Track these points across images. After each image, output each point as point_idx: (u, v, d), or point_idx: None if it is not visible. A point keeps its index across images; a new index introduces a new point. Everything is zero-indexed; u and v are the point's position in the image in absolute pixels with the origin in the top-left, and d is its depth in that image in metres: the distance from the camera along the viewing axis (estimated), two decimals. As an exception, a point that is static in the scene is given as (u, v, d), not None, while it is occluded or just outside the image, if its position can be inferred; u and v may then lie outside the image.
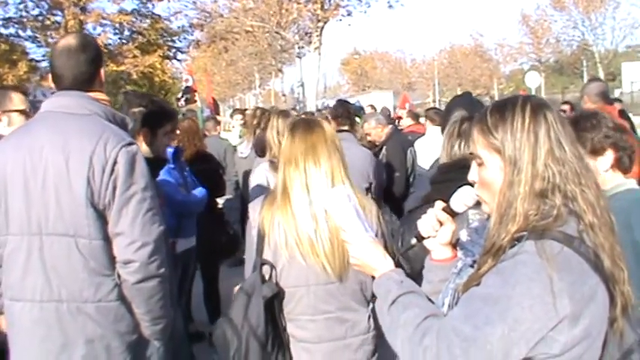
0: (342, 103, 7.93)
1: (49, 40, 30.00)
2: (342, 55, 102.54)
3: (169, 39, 35.36)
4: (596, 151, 3.24)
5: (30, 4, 30.69)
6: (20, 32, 31.40)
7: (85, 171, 3.07)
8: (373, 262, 2.33)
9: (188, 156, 6.96)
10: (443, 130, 4.20)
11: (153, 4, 33.12)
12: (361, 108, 18.87)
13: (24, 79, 30.57)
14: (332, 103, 10.27)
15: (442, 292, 2.25)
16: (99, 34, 30.21)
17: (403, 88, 73.15)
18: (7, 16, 30.57)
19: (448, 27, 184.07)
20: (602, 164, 3.25)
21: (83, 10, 30.55)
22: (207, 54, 49.06)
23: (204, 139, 8.64)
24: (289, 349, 3.35)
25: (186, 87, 14.89)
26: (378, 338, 3.40)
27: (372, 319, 3.39)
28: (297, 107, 32.64)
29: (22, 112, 4.33)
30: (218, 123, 13.05)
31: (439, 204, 2.34)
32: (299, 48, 38.02)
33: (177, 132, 5.20)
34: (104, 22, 31.70)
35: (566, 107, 13.71)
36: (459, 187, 2.28)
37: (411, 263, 3.02)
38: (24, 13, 30.74)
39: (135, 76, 34.99)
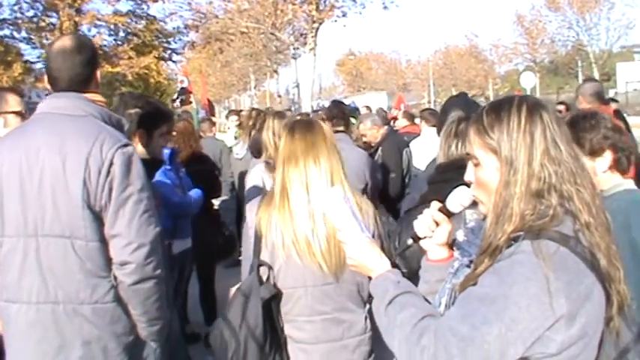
0: (337, 104, 7.90)
1: (44, 41, 29.89)
2: (338, 56, 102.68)
3: (164, 40, 35.26)
4: (594, 152, 3.24)
5: (25, 6, 30.59)
6: (15, 34, 31.30)
7: (82, 172, 3.07)
8: (370, 263, 2.34)
9: (184, 157, 6.96)
10: (439, 131, 4.21)
11: (148, 5, 33.02)
12: (356, 109, 18.88)
13: (19, 80, 30.47)
14: (327, 104, 10.26)
15: (439, 292, 2.25)
16: (94, 36, 30.07)
17: (398, 88, 73.28)
18: (1, 17, 30.45)
19: (443, 28, 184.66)
20: (601, 165, 3.25)
21: (78, 11, 30.44)
22: (203, 55, 49.02)
23: (199, 140, 8.63)
24: (286, 350, 3.35)
25: (182, 88, 14.91)
26: (374, 339, 3.40)
27: (368, 320, 3.40)
28: (293, 108, 32.65)
29: (18, 113, 4.32)
30: (213, 124, 13.05)
31: (435, 204, 2.35)
32: (294, 49, 38.01)
33: (174, 133, 5.19)
34: (99, 23, 31.58)
35: (561, 107, 13.73)
36: (456, 187, 2.29)
37: (409, 263, 3.03)
38: (18, 15, 30.61)
39: (130, 78, 34.93)
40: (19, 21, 30.57)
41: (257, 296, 3.21)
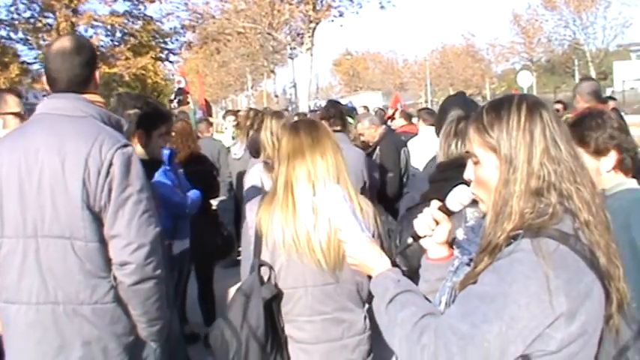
0: (334, 104, 7.90)
1: (41, 42, 29.85)
2: (334, 56, 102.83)
3: (161, 40, 35.20)
4: (599, 152, 3.23)
5: (21, 7, 30.52)
6: (12, 34, 31.21)
7: (81, 173, 3.07)
8: (370, 262, 2.34)
9: (182, 158, 6.97)
10: (437, 130, 4.22)
11: (145, 6, 32.96)
12: (353, 108, 18.88)
13: (16, 81, 30.35)
14: (324, 103, 10.27)
15: (439, 290, 2.26)
16: (91, 36, 29.97)
17: (395, 88, 73.23)
18: (-2, 18, 30.50)
19: (440, 27, 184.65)
20: (605, 165, 3.23)
21: (75, 12, 30.38)
22: (200, 55, 48.97)
23: (197, 140, 8.62)
24: (287, 350, 3.35)
25: (179, 89, 14.87)
26: (373, 338, 3.41)
27: (367, 320, 3.40)
28: (290, 108, 32.68)
29: (17, 114, 4.32)
30: (211, 124, 13.05)
31: (435, 203, 2.35)
32: (291, 49, 37.97)
33: (172, 134, 5.20)
34: (96, 23, 31.51)
35: (559, 106, 13.78)
36: (456, 185, 2.30)
37: (409, 261, 3.04)
38: (15, 16, 30.54)
39: (127, 78, 34.82)
40: (16, 22, 30.51)
41: (258, 296, 3.21)
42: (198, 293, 7.50)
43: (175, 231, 5.77)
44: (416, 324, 2.01)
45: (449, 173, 3.27)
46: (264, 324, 3.21)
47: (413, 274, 2.40)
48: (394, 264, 2.35)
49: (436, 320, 1.99)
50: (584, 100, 6.91)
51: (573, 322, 1.82)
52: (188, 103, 14.46)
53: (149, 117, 4.47)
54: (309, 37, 33.11)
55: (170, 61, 37.43)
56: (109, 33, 33.07)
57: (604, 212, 2.00)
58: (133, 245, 3.12)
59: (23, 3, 30.44)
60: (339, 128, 6.86)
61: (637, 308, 2.08)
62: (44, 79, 3.43)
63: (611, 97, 12.86)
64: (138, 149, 4.12)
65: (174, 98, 14.65)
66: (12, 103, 4.37)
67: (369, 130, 8.70)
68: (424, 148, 8.16)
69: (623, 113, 10.36)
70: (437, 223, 2.34)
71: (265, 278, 3.28)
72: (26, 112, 4.33)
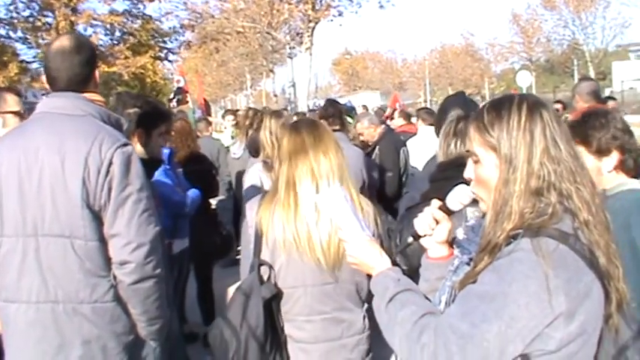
0: (332, 103, 7.89)
1: (40, 41, 29.90)
2: (334, 56, 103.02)
3: (160, 40, 35.25)
4: (601, 151, 3.22)
5: (20, 5, 30.58)
6: (11, 33, 31.26)
7: (81, 172, 3.07)
8: (370, 261, 2.35)
9: (181, 157, 6.96)
10: (437, 130, 4.22)
11: (144, 5, 33.02)
12: (353, 108, 18.89)
13: (15, 80, 30.39)
14: (323, 103, 10.28)
15: (439, 289, 2.26)
16: (90, 35, 30.01)
17: (394, 87, 73.30)
18: (-3, 17, 30.51)
19: (439, 27, 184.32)
20: (607, 165, 3.22)
21: (74, 11, 30.41)
22: (199, 55, 49.00)
23: (197, 140, 8.62)
24: (286, 350, 3.35)
25: (178, 88, 14.85)
26: (372, 338, 3.41)
27: (367, 319, 3.41)
28: (289, 107, 32.61)
29: (16, 113, 4.32)
30: (210, 124, 13.05)
31: (435, 202, 2.36)
32: (290, 48, 37.96)
33: (172, 133, 5.20)
34: (95, 23, 31.58)
35: (558, 106, 13.79)
36: (456, 185, 2.30)
37: (409, 260, 3.04)
38: (14, 14, 30.58)
39: (126, 77, 34.84)
40: (15, 21, 30.54)
41: (258, 296, 3.21)
42: (198, 292, 7.49)
43: (175, 230, 5.77)
44: (416, 323, 2.02)
45: (449, 172, 3.28)
46: (263, 323, 3.21)
47: (413, 273, 2.40)
48: (394, 263, 2.36)
49: (436, 319, 1.99)
50: (583, 100, 6.91)
51: (572, 321, 1.82)
52: (187, 102, 14.44)
53: (149, 116, 4.48)
54: (309, 36, 33.11)
55: (169, 61, 37.54)
56: (108, 32, 33.16)
57: (604, 212, 2.00)
58: (133, 244, 3.12)
59: (22, 2, 30.51)
60: (338, 127, 6.85)
61: (636, 308, 2.09)
62: (44, 77, 3.43)
63: (610, 97, 12.85)
64: (138, 148, 4.12)
65: (173, 97, 14.63)
66: (11, 101, 4.37)
67: (369, 130, 8.69)
68: (423, 148, 8.16)
69: (622, 113, 10.36)
70: (437, 222, 2.34)
71: (265, 277, 3.28)
72: (26, 111, 4.33)
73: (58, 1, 29.34)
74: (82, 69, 3.33)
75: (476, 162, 2.09)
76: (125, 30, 33.02)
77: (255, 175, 5.56)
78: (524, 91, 29.51)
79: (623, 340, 1.99)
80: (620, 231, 2.10)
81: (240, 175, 7.43)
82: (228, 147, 10.08)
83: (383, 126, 9.27)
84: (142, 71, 35.67)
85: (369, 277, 2.37)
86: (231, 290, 3.47)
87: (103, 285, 3.16)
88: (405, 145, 8.64)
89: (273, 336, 3.29)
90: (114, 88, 32.18)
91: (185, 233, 6.07)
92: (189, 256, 6.47)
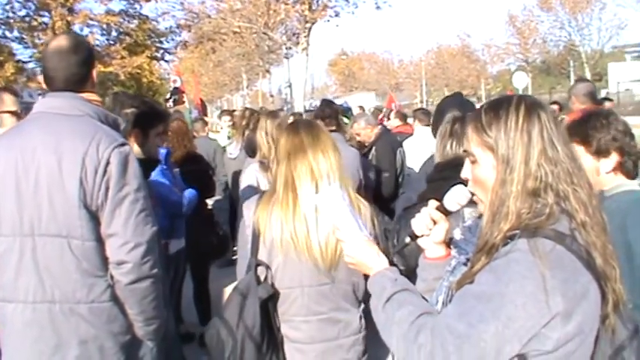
0: (328, 103, 7.87)
1: (36, 41, 29.83)
2: (330, 56, 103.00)
3: (157, 40, 35.14)
4: (600, 152, 3.22)
5: (17, 5, 30.43)
6: (7, 33, 31.12)
7: (78, 172, 3.06)
8: (368, 261, 2.35)
9: (178, 157, 6.95)
10: (434, 131, 4.22)
11: (140, 5, 32.90)
12: (349, 109, 18.88)
13: (11, 80, 30.25)
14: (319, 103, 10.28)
15: (436, 290, 2.26)
16: (86, 35, 29.91)
17: (390, 88, 73.15)
18: (-7, 17, 30.43)
19: (435, 28, 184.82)
20: (605, 166, 3.23)
21: (70, 10, 30.32)
22: (195, 55, 48.88)
23: (193, 140, 8.61)
24: (283, 350, 3.36)
25: (175, 88, 14.87)
26: (368, 338, 3.42)
27: (363, 320, 3.41)
28: (285, 108, 32.62)
29: (13, 113, 4.33)
30: (206, 124, 13.05)
31: (433, 203, 2.36)
32: (286, 49, 37.91)
33: (169, 133, 5.20)
34: (91, 22, 31.45)
35: (554, 107, 13.81)
36: (454, 185, 2.30)
37: (407, 260, 3.04)
38: (10, 14, 30.44)
39: (122, 77, 34.79)
40: (11, 20, 30.42)
41: (255, 296, 3.21)
42: (194, 293, 7.48)
43: (172, 230, 5.76)
44: (413, 323, 2.02)
45: (447, 173, 3.28)
46: (260, 323, 3.21)
47: (410, 274, 2.40)
48: (392, 263, 2.36)
49: (433, 319, 1.99)
50: (579, 102, 6.92)
51: (569, 321, 1.82)
52: (184, 102, 14.44)
53: (146, 116, 4.48)
54: (305, 36, 33.08)
55: (166, 61, 37.43)
56: (104, 32, 33.04)
57: (601, 214, 2.01)
58: (130, 244, 3.12)
59: (19, 1, 30.36)
60: (334, 128, 6.85)
61: (632, 311, 2.09)
62: (41, 77, 3.42)
63: (607, 99, 12.87)
64: (135, 148, 4.11)
65: (170, 97, 14.64)
66: (9, 101, 4.37)
67: (365, 131, 8.66)
68: (419, 149, 8.17)
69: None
70: (434, 222, 2.35)
71: (262, 278, 3.28)
72: (22, 111, 4.33)
73: (55, 0, 29.25)
74: (79, 69, 3.32)
75: (473, 162, 2.09)
76: (121, 30, 32.93)
77: (251, 175, 5.55)
78: (520, 92, 29.58)
79: (619, 341, 2.00)
80: (616, 232, 2.11)
81: (236, 176, 7.42)
82: (224, 147, 10.07)
83: (380, 126, 9.27)
84: (139, 71, 35.59)
85: (366, 277, 2.37)
86: (227, 290, 3.46)
87: (100, 285, 3.16)
88: (402, 146, 8.64)
89: (270, 336, 3.29)
90: (110, 88, 32.14)
91: (182, 233, 6.05)
92: (185, 257, 6.47)
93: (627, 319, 2.03)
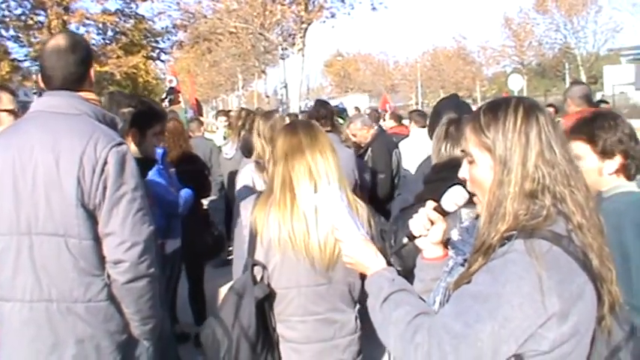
0: (323, 104, 7.87)
1: (32, 39, 29.85)
2: (326, 57, 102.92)
3: (153, 39, 35.18)
4: (605, 153, 3.22)
5: (12, 4, 30.45)
6: (3, 32, 31.12)
7: (76, 171, 3.07)
8: (365, 261, 2.36)
9: (174, 157, 6.95)
10: (430, 132, 4.23)
11: (136, 5, 32.95)
12: (344, 110, 18.90)
13: (6, 79, 30.21)
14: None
15: (433, 290, 2.27)
16: (82, 35, 29.96)
17: (386, 90, 73.24)
18: (-11, 15, 30.39)
19: (431, 29, 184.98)
20: (608, 167, 3.23)
21: (66, 9, 30.32)
22: (191, 55, 48.90)
23: (189, 140, 8.60)
24: (278, 350, 3.35)
25: (170, 88, 14.87)
26: (363, 338, 3.42)
27: (358, 320, 3.41)
28: (281, 109, 32.59)
29: (10, 111, 4.32)
30: (202, 124, 13.05)
31: (430, 203, 2.37)
32: (282, 49, 37.86)
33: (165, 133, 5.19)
34: (87, 22, 31.48)
35: (550, 110, 13.81)
36: (451, 186, 2.31)
37: (404, 261, 3.04)
38: (6, 13, 30.45)
39: (118, 77, 34.74)
40: (7, 19, 30.42)
41: (251, 296, 3.20)
42: (189, 293, 7.47)
43: (168, 230, 5.75)
44: (410, 323, 2.03)
45: (444, 174, 3.29)
46: (255, 323, 3.20)
47: (408, 274, 2.41)
48: (389, 264, 2.37)
49: (430, 319, 2.00)
50: (575, 104, 6.93)
51: (565, 322, 1.84)
52: (179, 102, 14.44)
53: (143, 116, 4.48)
54: (301, 37, 33.03)
55: (161, 60, 37.49)
56: (100, 31, 33.08)
57: (597, 216, 2.02)
58: (127, 243, 3.12)
59: (15, 0, 30.36)
60: (329, 129, 6.84)
61: (629, 310, 2.10)
62: (37, 76, 3.42)
63: (603, 101, 12.88)
64: (132, 148, 4.11)
65: (166, 97, 14.65)
66: (6, 100, 4.36)
67: (362, 131, 8.65)
68: (415, 150, 8.17)
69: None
70: (432, 223, 2.36)
71: (258, 278, 3.28)
72: (19, 110, 4.33)
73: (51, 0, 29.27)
74: (77, 68, 3.32)
75: (471, 162, 2.10)
76: (117, 29, 32.96)
77: (247, 175, 5.56)
78: (516, 95, 29.59)
79: (615, 342, 2.01)
80: (612, 233, 2.11)
81: (232, 176, 7.41)
82: (220, 147, 10.07)
83: (376, 127, 9.27)
84: (134, 71, 35.63)
85: (363, 277, 2.38)
86: (222, 290, 3.46)
87: (96, 284, 3.16)
88: (398, 147, 8.63)
89: (265, 336, 3.28)
90: (106, 88, 32.04)
91: (178, 233, 6.04)
92: (180, 257, 6.46)
93: (623, 321, 2.04)
